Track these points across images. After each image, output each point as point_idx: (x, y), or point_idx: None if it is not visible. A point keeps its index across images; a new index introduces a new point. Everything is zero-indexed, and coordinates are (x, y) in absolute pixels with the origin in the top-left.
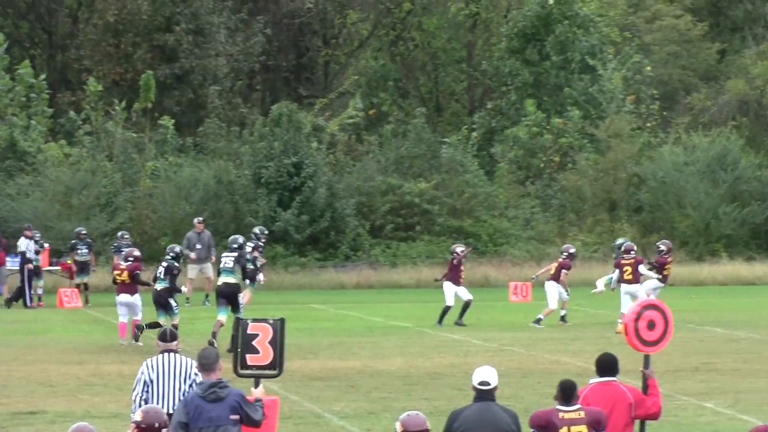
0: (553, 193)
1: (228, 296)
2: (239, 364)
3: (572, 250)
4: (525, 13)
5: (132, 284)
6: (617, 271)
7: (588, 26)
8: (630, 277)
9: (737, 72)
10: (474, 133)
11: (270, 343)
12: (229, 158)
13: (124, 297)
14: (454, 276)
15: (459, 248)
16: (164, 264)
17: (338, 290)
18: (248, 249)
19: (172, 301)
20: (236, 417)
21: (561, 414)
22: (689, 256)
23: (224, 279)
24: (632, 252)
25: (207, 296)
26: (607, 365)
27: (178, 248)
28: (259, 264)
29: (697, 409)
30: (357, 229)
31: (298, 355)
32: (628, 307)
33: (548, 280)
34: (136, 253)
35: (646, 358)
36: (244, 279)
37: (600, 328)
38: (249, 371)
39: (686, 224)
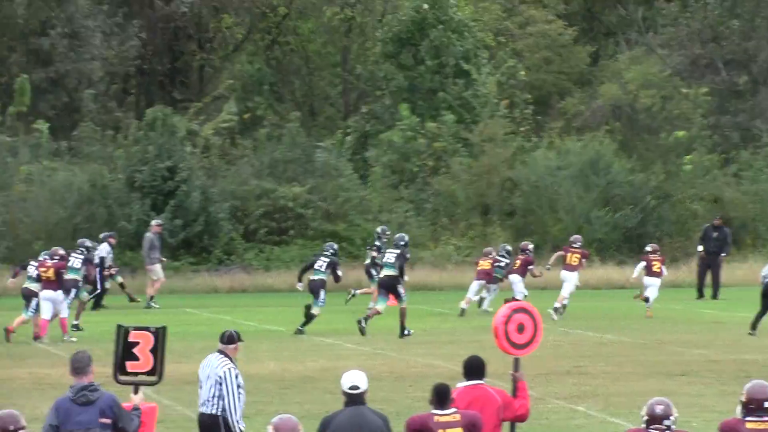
0: (427, 198)
1: (388, 287)
2: (118, 370)
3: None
4: (400, 17)
5: (56, 281)
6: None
7: (462, 31)
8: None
9: (610, 77)
10: (348, 138)
11: (151, 351)
12: (104, 162)
13: (47, 293)
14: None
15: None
16: (325, 258)
17: (212, 294)
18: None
19: (322, 292)
20: (106, 421)
21: (436, 418)
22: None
23: (386, 272)
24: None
25: (152, 298)
26: (474, 368)
27: (335, 245)
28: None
29: (568, 413)
30: (231, 233)
31: (171, 359)
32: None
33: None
34: (61, 251)
35: (516, 360)
36: (401, 274)
37: (473, 331)
38: (128, 378)
39: (559, 228)
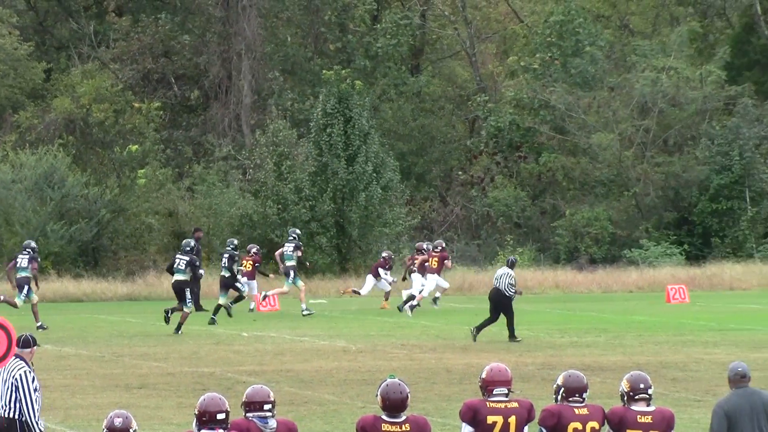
0: None
1: (177, 291)
2: None
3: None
4: None
5: None
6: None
7: None
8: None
9: (64, 90)
10: None
11: None
12: None
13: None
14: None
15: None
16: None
17: None
18: (290, 248)
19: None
20: None
21: None
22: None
23: (177, 277)
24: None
25: None
26: None
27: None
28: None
29: None
30: None
31: None
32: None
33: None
34: None
35: None
36: (194, 277)
37: None
38: None
39: (14, 242)
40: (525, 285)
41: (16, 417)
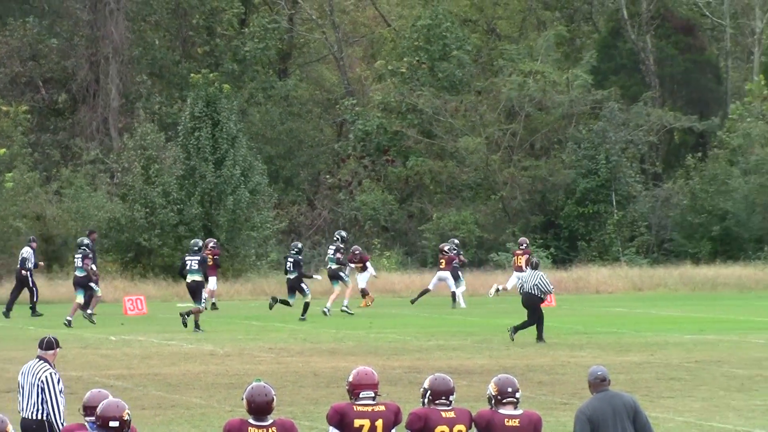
0: None
1: (192, 291)
2: None
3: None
4: None
5: None
6: None
7: None
8: None
9: None
10: None
11: None
12: None
13: None
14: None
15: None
16: (291, 259)
17: None
18: (331, 250)
19: (304, 286)
20: None
21: None
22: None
23: (191, 277)
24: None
25: None
26: None
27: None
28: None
29: None
30: None
31: None
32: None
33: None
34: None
35: None
36: (204, 277)
37: None
38: None
39: None
40: (392, 289)
41: (44, 418)
